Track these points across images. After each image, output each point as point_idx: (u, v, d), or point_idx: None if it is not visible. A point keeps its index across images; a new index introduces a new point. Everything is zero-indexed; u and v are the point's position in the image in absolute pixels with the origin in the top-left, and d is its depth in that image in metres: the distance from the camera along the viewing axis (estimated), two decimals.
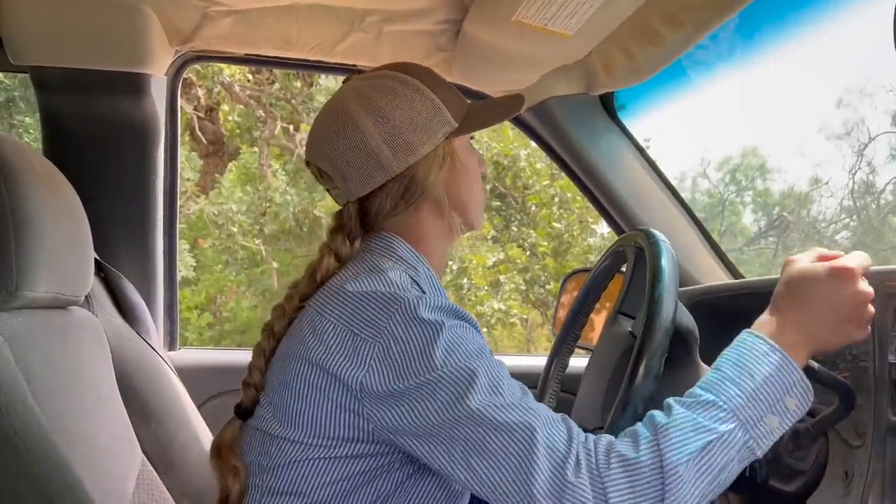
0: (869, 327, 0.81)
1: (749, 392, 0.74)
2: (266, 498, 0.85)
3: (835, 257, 0.84)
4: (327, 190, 0.99)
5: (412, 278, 0.88)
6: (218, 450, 0.91)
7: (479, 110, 0.99)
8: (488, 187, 6.31)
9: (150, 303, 1.52)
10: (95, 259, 1.15)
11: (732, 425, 0.72)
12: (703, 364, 1.01)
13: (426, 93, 0.93)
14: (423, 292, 0.85)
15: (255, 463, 0.88)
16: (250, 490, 0.88)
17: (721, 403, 0.73)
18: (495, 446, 0.73)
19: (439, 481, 0.87)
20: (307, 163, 0.98)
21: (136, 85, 1.42)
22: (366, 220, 0.96)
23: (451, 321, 0.80)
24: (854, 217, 8.11)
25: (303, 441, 0.83)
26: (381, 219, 0.95)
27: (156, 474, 1.19)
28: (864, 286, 0.80)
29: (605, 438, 0.74)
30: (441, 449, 0.76)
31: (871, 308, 0.80)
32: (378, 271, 0.86)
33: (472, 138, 1.03)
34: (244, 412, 0.91)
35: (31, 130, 5.64)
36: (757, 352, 0.77)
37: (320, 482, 0.83)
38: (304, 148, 0.98)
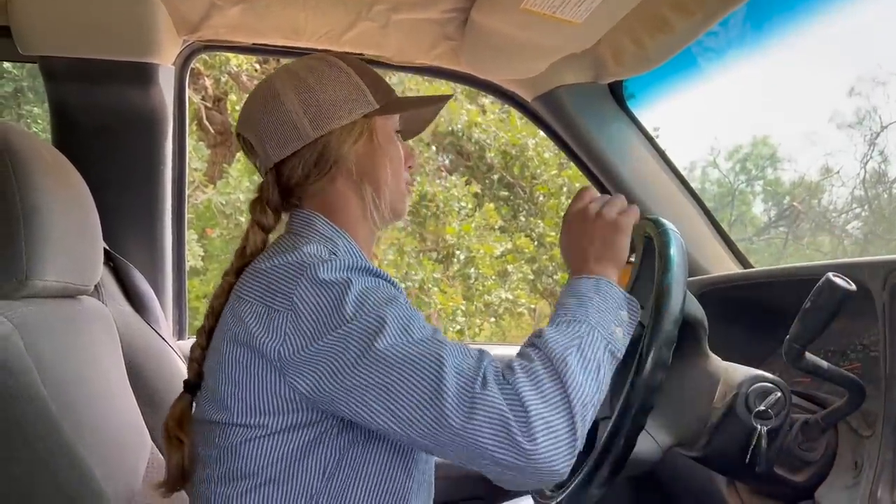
0: (633, 215, 0.95)
1: (593, 308, 0.85)
2: (218, 487, 0.87)
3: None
4: (254, 164, 1.02)
5: (330, 251, 0.88)
6: (166, 426, 0.92)
7: (406, 101, 1.04)
8: (496, 177, 6.30)
9: (159, 292, 1.52)
10: (105, 248, 1.15)
11: (591, 329, 0.82)
12: (712, 354, 1.00)
13: (351, 75, 0.98)
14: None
15: (203, 456, 0.90)
16: (201, 484, 0.90)
17: (578, 318, 0.83)
18: (407, 383, 0.77)
19: (384, 444, 0.88)
20: (237, 135, 1.02)
21: (144, 75, 1.42)
22: (284, 188, 0.98)
23: (361, 277, 0.83)
24: (865, 207, 8.06)
25: (241, 423, 0.85)
26: (297, 187, 0.98)
27: (165, 462, 1.20)
28: (597, 208, 0.96)
29: (506, 359, 0.81)
30: (360, 401, 0.78)
31: (620, 215, 0.95)
32: (293, 248, 0.88)
33: (398, 132, 1.05)
34: (191, 386, 0.94)
35: (39, 120, 5.65)
36: (582, 285, 0.88)
37: (266, 460, 0.85)
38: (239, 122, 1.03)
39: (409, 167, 1.06)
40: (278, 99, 0.96)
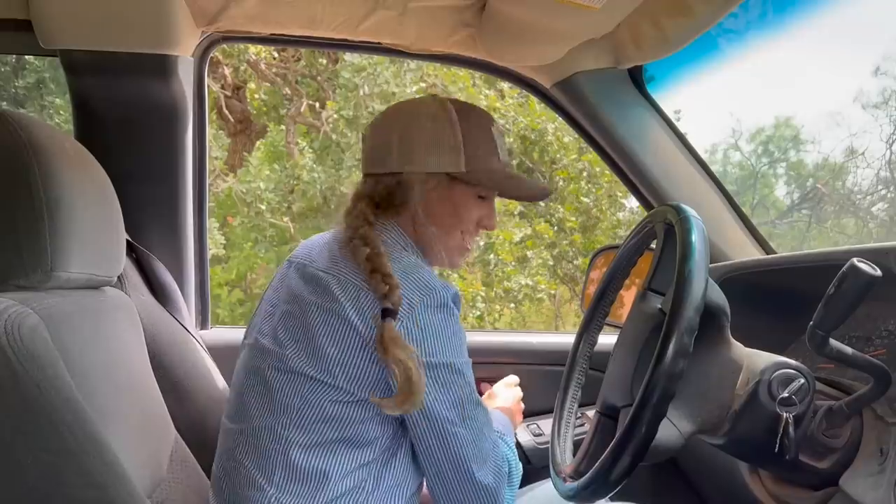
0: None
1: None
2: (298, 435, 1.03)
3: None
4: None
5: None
6: (391, 341, 0.98)
7: (503, 181, 1.17)
8: (515, 162, 6.27)
9: (181, 282, 1.54)
10: (127, 240, 1.17)
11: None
12: (734, 341, 1.00)
13: (443, 124, 1.11)
14: None
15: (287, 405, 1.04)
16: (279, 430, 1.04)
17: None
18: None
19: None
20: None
21: (163, 66, 1.43)
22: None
23: None
24: (891, 188, 7.93)
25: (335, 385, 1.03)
26: (387, 205, 1.14)
27: (189, 451, 1.21)
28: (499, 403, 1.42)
29: None
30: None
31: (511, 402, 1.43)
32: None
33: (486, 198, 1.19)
34: (392, 313, 1.00)
35: (61, 112, 5.71)
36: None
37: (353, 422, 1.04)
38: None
39: (483, 228, 1.21)
40: (389, 127, 1.13)
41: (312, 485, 1.01)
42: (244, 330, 1.71)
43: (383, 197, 1.12)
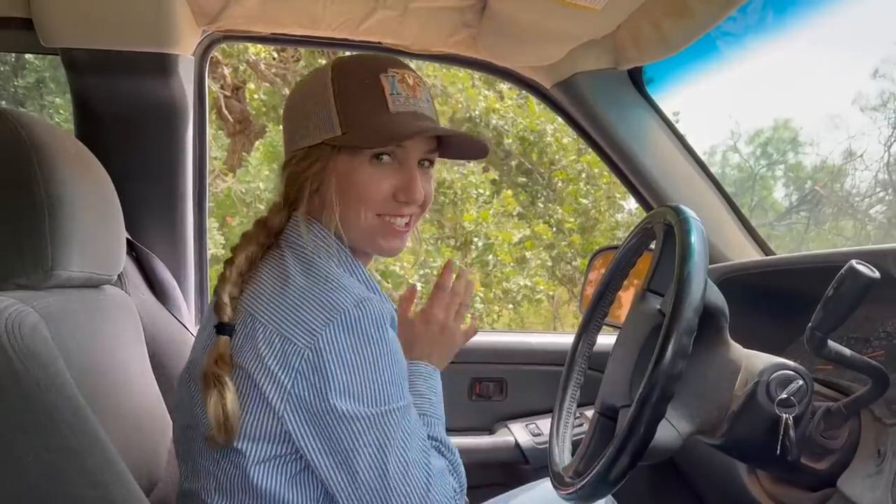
0: (459, 331, 1.12)
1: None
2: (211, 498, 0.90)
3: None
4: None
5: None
6: (206, 370, 0.86)
7: (392, 131, 0.92)
8: (514, 163, 6.27)
9: (181, 281, 1.54)
10: (127, 238, 1.17)
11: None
12: (733, 342, 1.00)
13: (317, 92, 0.94)
14: None
15: (196, 464, 0.92)
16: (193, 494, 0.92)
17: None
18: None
19: None
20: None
21: (164, 65, 1.43)
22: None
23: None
24: (889, 190, 7.94)
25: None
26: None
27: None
28: (440, 317, 1.11)
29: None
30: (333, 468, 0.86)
31: (451, 324, 1.11)
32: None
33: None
34: (227, 328, 0.88)
35: (61, 111, 5.70)
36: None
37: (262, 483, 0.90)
38: None
39: (404, 201, 0.95)
40: (294, 96, 0.99)
41: None
42: None
43: (287, 194, 0.98)
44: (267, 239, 0.97)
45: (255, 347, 0.84)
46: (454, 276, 1.14)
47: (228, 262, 0.94)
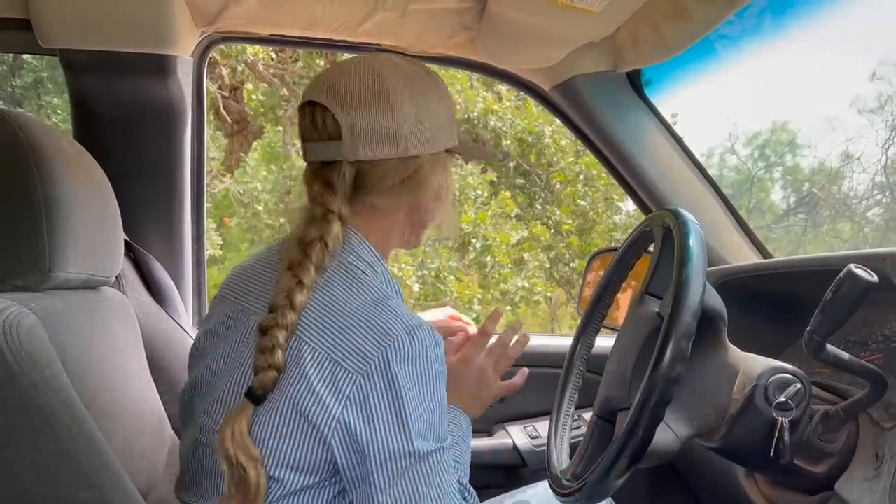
0: (498, 382, 1.12)
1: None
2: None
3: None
4: (307, 140, 0.91)
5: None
6: (232, 435, 0.80)
7: (469, 148, 1.07)
8: (512, 165, 6.28)
9: (178, 282, 1.54)
10: (124, 240, 1.17)
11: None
12: (731, 345, 1.00)
13: (449, 101, 0.95)
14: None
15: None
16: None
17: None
18: None
19: None
20: (310, 102, 0.90)
21: (162, 66, 1.42)
22: (355, 189, 0.90)
23: None
24: (886, 193, 7.96)
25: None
26: (368, 196, 0.92)
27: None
28: (480, 363, 1.11)
29: None
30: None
31: (490, 372, 1.11)
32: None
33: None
34: (257, 398, 0.81)
35: (59, 111, 5.70)
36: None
37: None
38: (308, 88, 0.92)
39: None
40: (389, 99, 0.88)
41: None
42: None
43: (381, 190, 0.92)
44: (325, 261, 0.87)
45: (302, 371, 0.80)
46: (498, 323, 1.15)
47: (296, 289, 0.83)
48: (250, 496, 0.79)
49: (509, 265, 5.99)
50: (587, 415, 1.64)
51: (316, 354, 0.81)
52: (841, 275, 0.83)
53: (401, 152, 0.89)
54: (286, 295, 0.83)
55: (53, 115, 5.71)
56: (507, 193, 6.13)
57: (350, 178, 0.89)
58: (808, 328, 0.87)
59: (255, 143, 6.69)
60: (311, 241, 0.86)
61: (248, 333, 0.88)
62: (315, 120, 0.90)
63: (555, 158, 6.28)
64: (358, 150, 0.88)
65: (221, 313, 0.95)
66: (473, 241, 5.88)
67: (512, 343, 1.14)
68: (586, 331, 1.23)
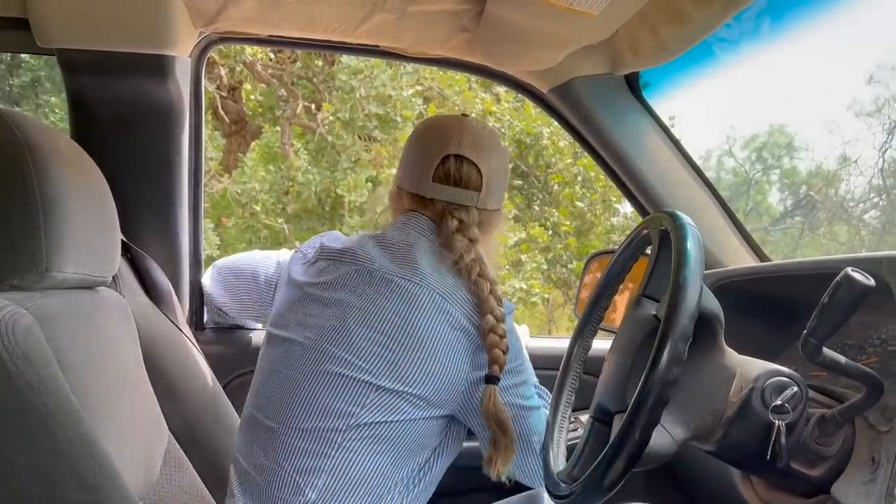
0: None
1: None
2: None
3: None
4: (446, 183, 1.21)
5: None
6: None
7: None
8: (510, 166, 6.28)
9: (176, 283, 1.54)
10: (122, 240, 1.16)
11: None
12: (727, 348, 1.00)
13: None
14: None
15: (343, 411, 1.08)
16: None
17: None
18: None
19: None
20: (461, 157, 1.20)
21: (161, 66, 1.42)
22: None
23: None
24: (883, 196, 7.97)
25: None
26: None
27: (182, 452, 1.21)
28: None
29: None
30: None
31: None
32: None
33: None
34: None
35: (56, 110, 5.69)
36: None
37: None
38: (462, 145, 1.21)
39: None
40: (502, 152, 1.26)
41: (357, 492, 1.04)
42: (237, 331, 1.71)
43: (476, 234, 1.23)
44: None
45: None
46: None
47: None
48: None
49: (507, 266, 5.98)
50: (584, 417, 1.64)
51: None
52: (838, 278, 0.83)
53: (501, 202, 1.29)
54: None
55: (51, 113, 5.70)
56: (505, 195, 6.13)
57: (477, 219, 1.23)
58: (805, 331, 0.87)
59: (252, 144, 6.68)
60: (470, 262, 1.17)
61: None
62: (461, 170, 1.21)
63: (553, 160, 6.28)
64: (488, 202, 1.24)
65: None
66: None
67: None
68: (583, 333, 1.23)
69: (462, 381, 1.10)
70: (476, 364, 1.12)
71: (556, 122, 1.71)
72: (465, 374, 1.11)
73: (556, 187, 6.40)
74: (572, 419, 1.20)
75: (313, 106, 6.21)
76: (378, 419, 1.04)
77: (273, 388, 1.13)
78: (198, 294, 1.67)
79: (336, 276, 1.15)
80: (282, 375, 1.12)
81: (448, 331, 1.08)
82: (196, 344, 1.47)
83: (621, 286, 1.21)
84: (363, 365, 1.05)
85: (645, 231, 1.09)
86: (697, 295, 0.84)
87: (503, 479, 1.14)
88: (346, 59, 5.70)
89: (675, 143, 1.65)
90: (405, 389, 1.05)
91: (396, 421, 1.05)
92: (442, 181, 1.20)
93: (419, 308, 1.08)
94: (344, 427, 1.04)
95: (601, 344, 1.27)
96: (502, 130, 6.01)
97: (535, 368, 1.82)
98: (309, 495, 1.02)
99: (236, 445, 1.20)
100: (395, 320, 1.07)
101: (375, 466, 1.05)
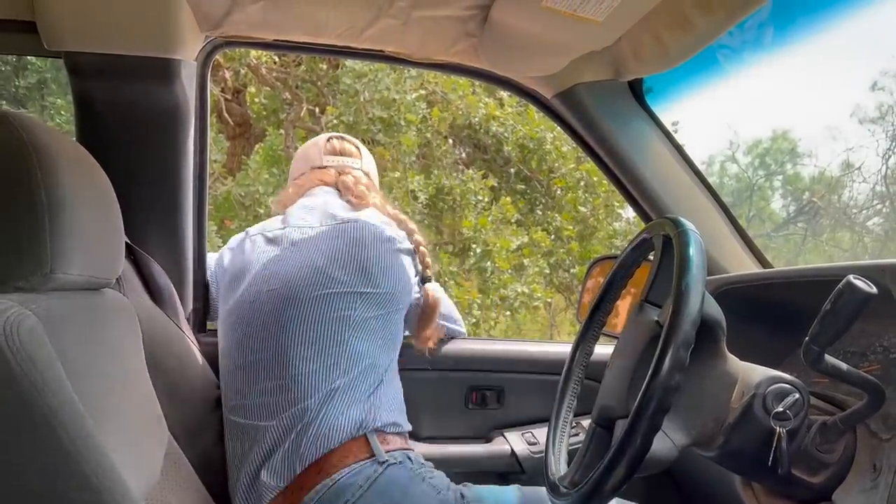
0: None
1: None
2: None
3: None
4: None
5: None
6: None
7: None
8: (513, 171, 6.28)
9: (179, 285, 1.54)
10: (126, 242, 1.17)
11: None
12: (730, 355, 1.00)
13: None
14: None
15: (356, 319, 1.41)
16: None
17: None
18: None
19: None
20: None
21: (166, 70, 1.43)
22: None
23: None
24: (887, 203, 7.96)
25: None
26: None
27: (182, 453, 1.21)
28: None
29: None
30: None
31: None
32: None
33: None
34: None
35: (62, 112, 5.70)
36: None
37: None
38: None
39: None
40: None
41: (369, 372, 1.33)
42: None
43: None
44: None
45: None
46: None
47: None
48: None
49: (509, 270, 5.97)
50: (586, 422, 1.64)
51: None
52: (840, 285, 0.84)
53: None
54: None
55: (57, 115, 5.70)
56: (508, 199, 6.11)
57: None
58: (807, 338, 0.87)
59: (256, 146, 6.69)
60: None
61: None
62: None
63: (556, 165, 6.28)
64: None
65: None
66: (474, 246, 5.88)
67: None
68: (585, 338, 1.23)
69: None
70: None
71: (559, 128, 1.72)
72: None
73: (558, 192, 6.39)
74: (574, 424, 1.20)
75: (317, 109, 6.21)
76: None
77: (248, 338, 1.40)
78: (201, 296, 1.68)
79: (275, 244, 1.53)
80: (255, 323, 1.40)
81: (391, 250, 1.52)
82: (198, 345, 1.48)
83: (623, 291, 1.22)
84: (348, 279, 1.40)
85: (647, 237, 1.09)
86: (700, 301, 0.85)
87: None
88: (350, 62, 5.71)
89: (678, 149, 1.65)
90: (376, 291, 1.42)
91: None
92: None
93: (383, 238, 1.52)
94: (348, 325, 1.35)
95: (603, 349, 1.27)
96: (505, 135, 6.01)
97: (537, 374, 1.84)
98: (337, 381, 1.30)
99: (226, 411, 1.38)
100: (373, 247, 1.48)
101: (373, 352, 1.36)
